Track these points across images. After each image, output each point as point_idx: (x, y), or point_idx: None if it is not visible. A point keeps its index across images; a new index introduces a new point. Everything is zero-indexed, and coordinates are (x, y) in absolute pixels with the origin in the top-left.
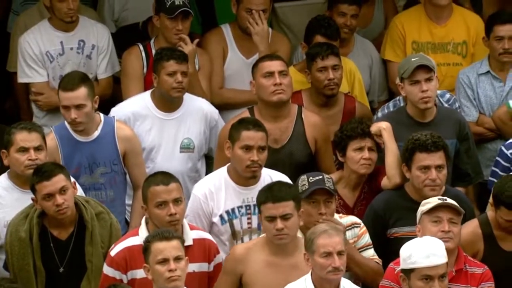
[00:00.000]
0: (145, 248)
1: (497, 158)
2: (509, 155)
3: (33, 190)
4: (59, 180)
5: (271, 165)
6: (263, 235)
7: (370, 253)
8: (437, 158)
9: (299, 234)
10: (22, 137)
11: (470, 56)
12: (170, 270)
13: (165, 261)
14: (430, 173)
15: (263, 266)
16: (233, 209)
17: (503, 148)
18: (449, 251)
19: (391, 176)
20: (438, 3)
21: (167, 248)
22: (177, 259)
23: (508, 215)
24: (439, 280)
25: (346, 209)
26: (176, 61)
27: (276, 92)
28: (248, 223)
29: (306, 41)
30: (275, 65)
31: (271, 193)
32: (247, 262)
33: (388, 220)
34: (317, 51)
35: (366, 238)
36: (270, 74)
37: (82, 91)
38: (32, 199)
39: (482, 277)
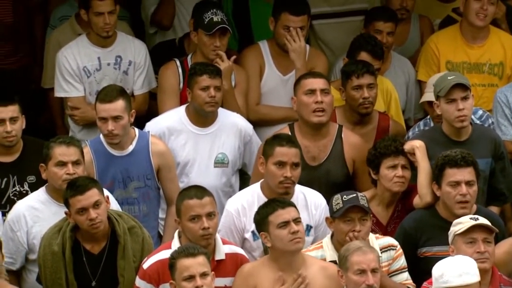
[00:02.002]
0: (171, 264)
1: None
2: None
3: (67, 204)
4: (92, 194)
5: (307, 182)
6: (267, 255)
7: (404, 276)
8: (467, 173)
9: (319, 252)
10: (61, 152)
11: (506, 78)
12: (197, 287)
13: (191, 277)
14: (461, 189)
15: (273, 282)
16: None
17: None
18: (484, 271)
19: (422, 195)
20: (476, 24)
21: (193, 265)
22: (203, 275)
23: None
24: None
25: (380, 227)
26: (209, 76)
27: (317, 110)
28: None
29: (349, 56)
30: (317, 83)
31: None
32: (257, 278)
33: (419, 239)
34: (353, 69)
35: (401, 261)
36: (312, 91)
37: (120, 103)
38: (66, 213)
39: None
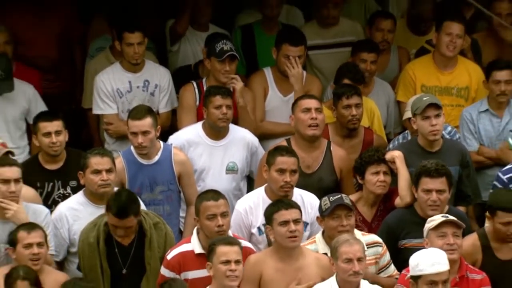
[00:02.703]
0: (211, 249)
1: (494, 182)
2: (505, 180)
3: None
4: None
5: (303, 186)
6: (271, 247)
7: (392, 269)
8: (438, 183)
9: (312, 246)
10: (96, 161)
11: (471, 99)
12: (231, 270)
13: (227, 262)
14: (431, 195)
15: (275, 271)
16: None
17: (499, 174)
18: (453, 261)
19: (402, 196)
20: (447, 55)
21: (230, 252)
22: (237, 262)
23: (504, 217)
24: (442, 285)
25: (365, 224)
26: (221, 96)
27: (311, 125)
28: None
29: (335, 82)
30: (312, 103)
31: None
32: (262, 266)
33: (399, 233)
34: (343, 91)
35: (387, 256)
36: (308, 110)
37: (148, 120)
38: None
39: (481, 283)
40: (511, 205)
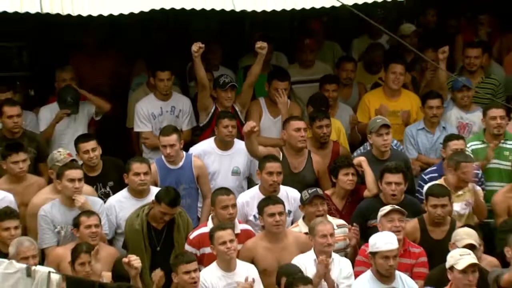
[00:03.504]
0: (211, 235)
1: (419, 181)
2: (426, 179)
3: (157, 200)
4: (177, 208)
5: (292, 182)
6: (263, 231)
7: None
8: (396, 178)
9: (296, 229)
10: (136, 166)
11: (412, 120)
12: (228, 248)
13: (224, 242)
14: (391, 187)
15: (264, 250)
16: None
17: (422, 175)
18: (399, 240)
19: (370, 189)
20: (393, 88)
21: (225, 234)
22: (231, 241)
23: (432, 201)
24: (392, 258)
25: (337, 212)
26: (228, 119)
27: (301, 140)
28: None
29: (307, 106)
30: (301, 124)
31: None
32: (255, 249)
33: (369, 215)
34: (317, 115)
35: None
36: (298, 129)
37: (174, 136)
38: (152, 202)
39: (419, 255)
40: (436, 191)
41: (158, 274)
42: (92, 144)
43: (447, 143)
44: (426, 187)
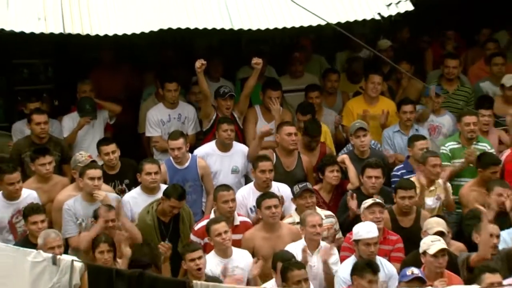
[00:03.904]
0: (208, 229)
1: (393, 179)
2: (398, 174)
3: (166, 196)
4: (184, 202)
5: (285, 179)
6: (260, 223)
7: (340, 235)
8: (376, 172)
9: (290, 219)
10: (148, 166)
11: (389, 123)
12: (222, 239)
13: (219, 234)
14: (371, 180)
15: (262, 239)
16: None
17: (394, 172)
18: (380, 229)
19: (353, 183)
20: (372, 95)
21: (220, 227)
22: (225, 232)
23: (400, 193)
24: (373, 245)
25: (325, 204)
26: (227, 124)
27: (292, 144)
28: None
29: (296, 113)
30: (293, 129)
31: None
32: (254, 240)
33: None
34: (307, 124)
35: (338, 226)
36: (290, 134)
37: (181, 140)
38: (161, 198)
39: (396, 241)
40: (404, 184)
41: (165, 245)
42: (112, 147)
43: (414, 143)
44: (396, 183)
